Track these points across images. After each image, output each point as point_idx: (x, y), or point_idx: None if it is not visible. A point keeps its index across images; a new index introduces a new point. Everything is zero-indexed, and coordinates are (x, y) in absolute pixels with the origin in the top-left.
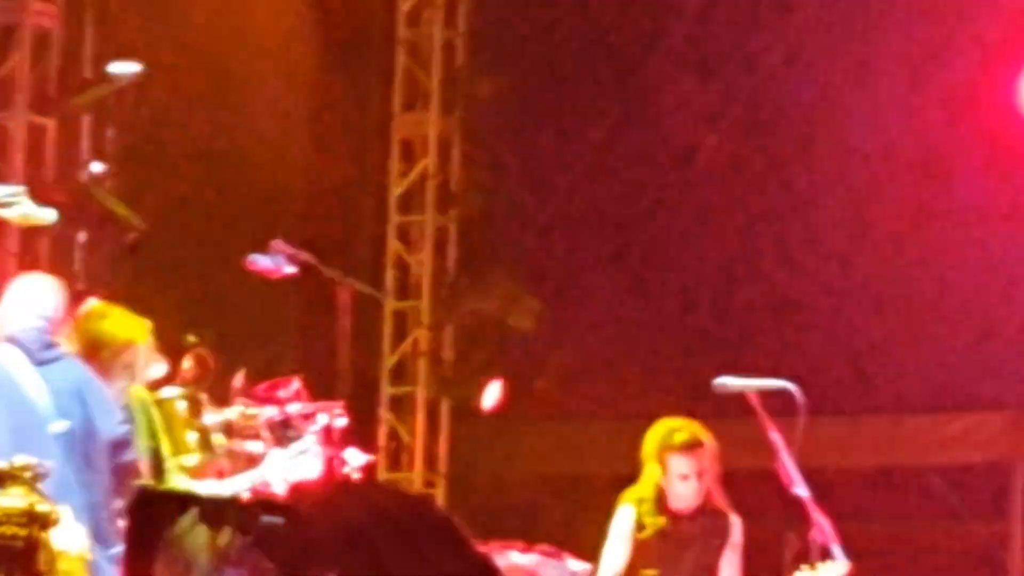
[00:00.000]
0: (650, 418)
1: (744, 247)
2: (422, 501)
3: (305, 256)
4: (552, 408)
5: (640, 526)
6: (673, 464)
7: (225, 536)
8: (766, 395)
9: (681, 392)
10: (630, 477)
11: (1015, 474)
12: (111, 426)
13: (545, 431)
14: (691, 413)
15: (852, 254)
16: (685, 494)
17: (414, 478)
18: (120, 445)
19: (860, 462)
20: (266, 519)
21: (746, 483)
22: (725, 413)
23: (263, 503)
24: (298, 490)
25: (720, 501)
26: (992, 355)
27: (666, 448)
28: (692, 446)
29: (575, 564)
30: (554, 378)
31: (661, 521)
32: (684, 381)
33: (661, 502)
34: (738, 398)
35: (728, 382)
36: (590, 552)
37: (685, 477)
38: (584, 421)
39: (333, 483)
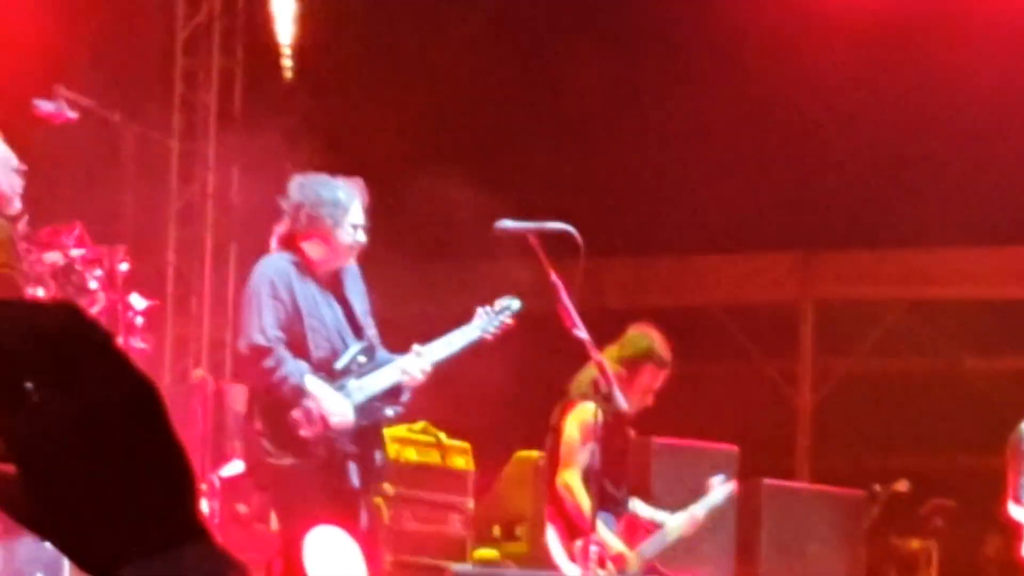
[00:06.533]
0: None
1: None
2: (70, 313)
3: (88, 101)
4: None
5: None
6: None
7: None
8: (546, 236)
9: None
10: None
11: (803, 313)
12: None
13: None
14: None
15: (634, 92)
16: None
17: (203, 322)
18: None
19: (647, 302)
20: None
21: (531, 326)
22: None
23: None
24: None
25: None
26: (780, 195)
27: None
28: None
29: None
30: None
31: None
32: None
33: None
34: (519, 239)
35: (508, 224)
36: None
37: None
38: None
39: None
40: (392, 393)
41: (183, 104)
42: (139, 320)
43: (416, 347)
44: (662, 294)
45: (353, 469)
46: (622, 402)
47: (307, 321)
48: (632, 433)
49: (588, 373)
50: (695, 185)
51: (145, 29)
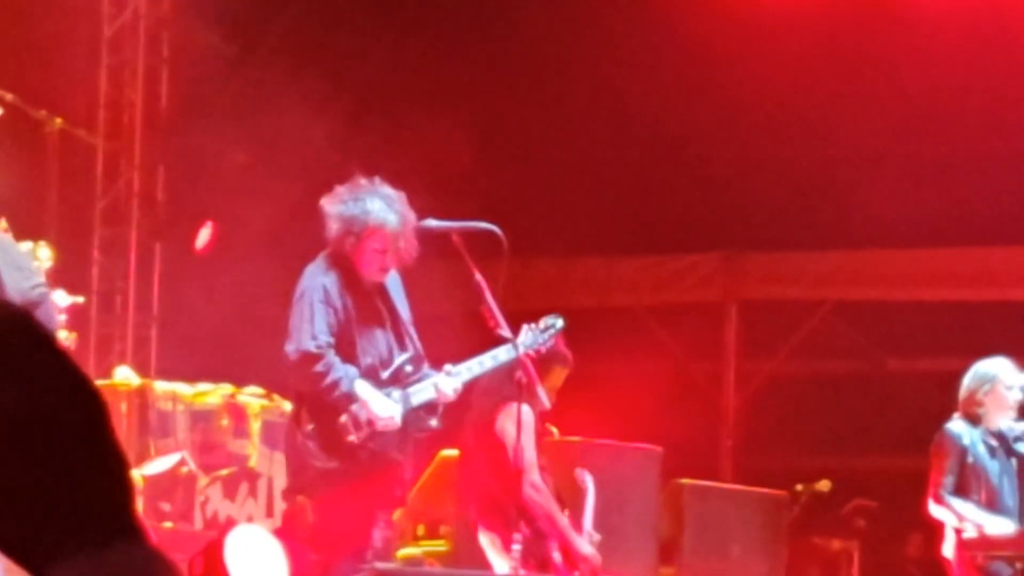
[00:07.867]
0: None
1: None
2: (12, 310)
3: (11, 97)
4: (264, 249)
5: None
6: None
7: None
8: (470, 236)
9: None
10: None
11: (727, 314)
12: (18, 289)
13: (259, 272)
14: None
15: (561, 92)
16: None
17: (128, 320)
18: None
19: (571, 303)
20: None
21: (451, 326)
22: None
23: None
24: None
25: None
26: (704, 196)
27: None
28: None
29: None
30: (266, 220)
31: None
32: None
33: None
34: (442, 238)
35: (432, 223)
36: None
37: None
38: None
39: None
40: (430, 407)
41: (108, 102)
42: (63, 317)
43: (448, 367)
44: (586, 294)
45: (396, 475)
46: (546, 401)
47: (356, 328)
48: (556, 433)
49: (499, 371)
50: (619, 186)
51: (71, 26)
